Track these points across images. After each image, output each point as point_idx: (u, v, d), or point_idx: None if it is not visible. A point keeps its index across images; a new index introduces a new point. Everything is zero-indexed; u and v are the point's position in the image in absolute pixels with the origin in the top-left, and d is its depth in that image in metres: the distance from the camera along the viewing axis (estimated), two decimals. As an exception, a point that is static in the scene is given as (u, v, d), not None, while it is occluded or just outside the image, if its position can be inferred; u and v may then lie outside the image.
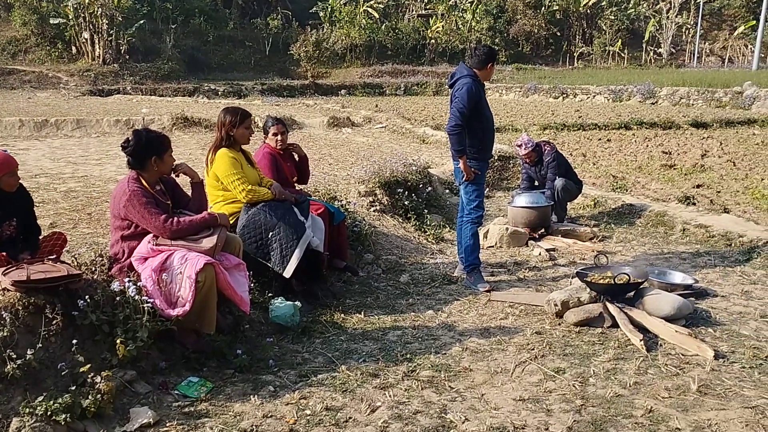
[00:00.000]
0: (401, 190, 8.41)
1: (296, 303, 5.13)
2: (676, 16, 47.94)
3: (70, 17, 39.35)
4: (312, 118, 19.12)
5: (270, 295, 5.21)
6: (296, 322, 5.06)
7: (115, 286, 3.99)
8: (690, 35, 49.04)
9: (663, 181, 11.09)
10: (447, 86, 6.54)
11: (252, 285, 5.16)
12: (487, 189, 10.78)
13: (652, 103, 26.30)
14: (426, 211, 8.47)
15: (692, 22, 48.17)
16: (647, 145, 15.15)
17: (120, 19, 39.65)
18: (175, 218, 4.34)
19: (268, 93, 34.21)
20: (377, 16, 49.18)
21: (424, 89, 37.83)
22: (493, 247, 7.78)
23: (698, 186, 10.59)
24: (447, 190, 10.06)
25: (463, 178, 6.24)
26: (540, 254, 7.33)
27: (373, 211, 7.97)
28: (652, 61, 47.84)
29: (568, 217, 8.91)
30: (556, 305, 5.32)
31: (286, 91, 36.19)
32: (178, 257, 4.20)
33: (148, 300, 3.98)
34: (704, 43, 49.09)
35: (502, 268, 6.98)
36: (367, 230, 7.02)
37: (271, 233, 5.30)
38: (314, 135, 16.38)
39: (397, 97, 35.49)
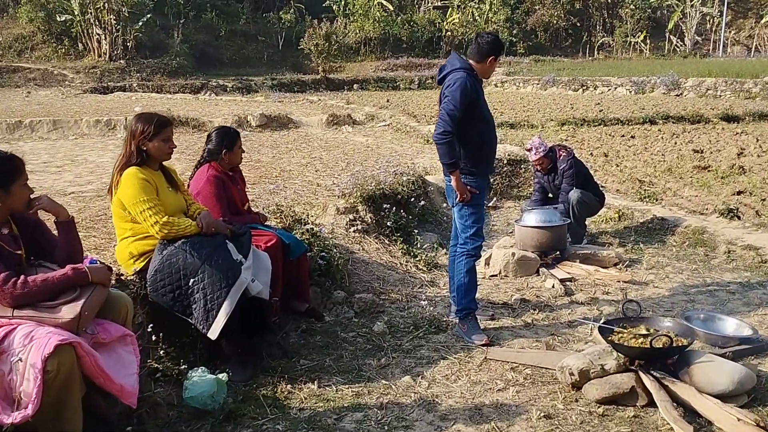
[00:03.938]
0: (388, 205, 7.06)
1: (220, 376, 3.80)
2: (700, 5, 46.12)
3: (77, 13, 38.35)
4: (311, 116, 17.77)
5: (185, 367, 3.85)
6: (219, 403, 3.74)
7: None
8: (715, 24, 47.22)
9: (697, 187, 9.69)
10: (436, 82, 5.17)
11: (164, 351, 3.87)
12: (494, 199, 9.44)
13: (677, 95, 24.95)
14: (416, 231, 7.11)
15: (717, 11, 46.35)
16: (675, 142, 13.74)
17: (126, 14, 38.61)
18: (22, 277, 3.03)
19: (279, 88, 33.04)
20: (392, 9, 47.82)
21: (439, 83, 36.40)
22: (496, 276, 6.39)
23: (739, 192, 9.19)
24: (446, 204, 8.69)
25: (457, 199, 4.91)
26: (553, 287, 5.95)
27: (354, 231, 6.61)
28: (676, 51, 46.11)
29: (588, 234, 7.55)
30: (571, 374, 3.97)
31: (297, 86, 35.06)
32: (21, 336, 2.90)
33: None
34: (729, 32, 47.28)
35: (505, 307, 5.61)
36: (339, 261, 5.65)
37: (192, 280, 3.98)
38: (310, 135, 15.06)
39: (410, 91, 34.19)
